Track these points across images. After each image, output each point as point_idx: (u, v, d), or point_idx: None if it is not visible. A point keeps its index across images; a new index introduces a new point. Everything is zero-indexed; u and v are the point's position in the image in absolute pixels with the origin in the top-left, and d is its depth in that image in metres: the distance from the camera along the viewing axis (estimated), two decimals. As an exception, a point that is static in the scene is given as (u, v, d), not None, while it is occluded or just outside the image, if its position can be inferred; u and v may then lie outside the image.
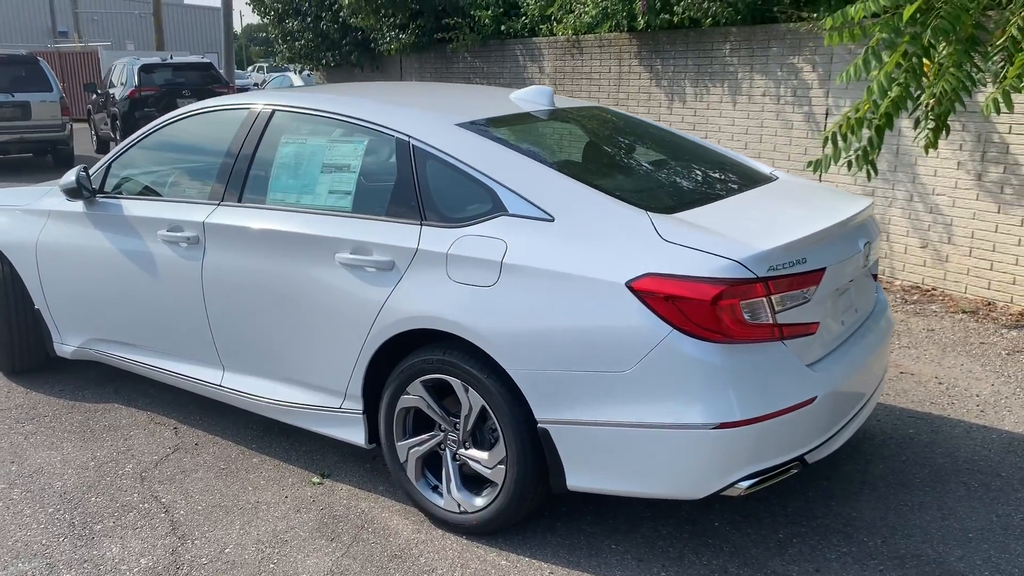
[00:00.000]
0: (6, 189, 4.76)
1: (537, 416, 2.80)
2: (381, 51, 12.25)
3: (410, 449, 3.18)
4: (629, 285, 2.61)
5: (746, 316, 2.58)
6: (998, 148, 5.80)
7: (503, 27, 10.40)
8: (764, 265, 2.60)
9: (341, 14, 12.63)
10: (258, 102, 3.70)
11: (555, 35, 9.72)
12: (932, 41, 4.58)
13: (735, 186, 3.30)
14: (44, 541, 3.12)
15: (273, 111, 3.60)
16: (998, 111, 4.41)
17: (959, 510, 3.25)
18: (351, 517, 3.25)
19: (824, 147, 5.13)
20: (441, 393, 3.10)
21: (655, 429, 2.62)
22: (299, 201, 3.40)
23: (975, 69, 4.83)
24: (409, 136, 3.19)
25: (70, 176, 3.99)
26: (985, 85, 5.04)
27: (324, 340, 3.27)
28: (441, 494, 3.14)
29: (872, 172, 5.35)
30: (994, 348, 5.04)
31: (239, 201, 3.55)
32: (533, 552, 3.00)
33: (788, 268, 2.65)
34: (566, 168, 3.06)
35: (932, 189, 6.26)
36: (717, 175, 3.45)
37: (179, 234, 3.65)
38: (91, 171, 4.09)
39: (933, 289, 6.32)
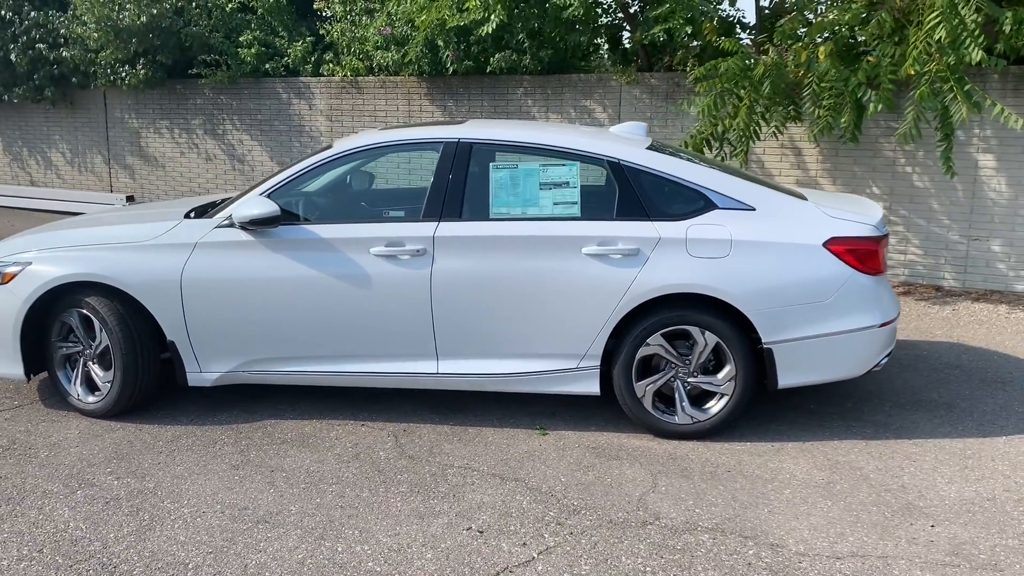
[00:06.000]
0: (113, 225, 4.62)
1: (764, 340, 4.21)
2: (100, 84, 11.66)
3: (647, 386, 4.33)
4: (824, 245, 4.19)
5: (882, 258, 4.32)
6: (757, 164, 8.34)
7: (267, 66, 10.83)
8: (884, 227, 4.36)
9: (38, 44, 11.71)
10: (449, 136, 4.47)
11: (330, 75, 10.51)
12: (769, 93, 6.87)
13: (795, 189, 5.00)
14: (421, 505, 3.67)
15: (472, 144, 4.43)
16: (848, 137, 6.81)
17: None
18: (604, 447, 4.28)
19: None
20: (669, 340, 4.32)
21: (846, 334, 4.22)
22: (525, 212, 4.32)
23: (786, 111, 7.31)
24: (619, 159, 4.36)
25: (260, 208, 4.25)
26: (786, 123, 7.47)
27: (569, 315, 4.26)
28: (674, 414, 4.35)
29: None
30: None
31: (460, 217, 4.33)
32: (749, 438, 4.38)
33: (885, 230, 4.45)
34: (737, 175, 4.50)
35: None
36: (774, 181, 5.12)
37: (401, 248, 4.28)
38: (254, 202, 4.38)
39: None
